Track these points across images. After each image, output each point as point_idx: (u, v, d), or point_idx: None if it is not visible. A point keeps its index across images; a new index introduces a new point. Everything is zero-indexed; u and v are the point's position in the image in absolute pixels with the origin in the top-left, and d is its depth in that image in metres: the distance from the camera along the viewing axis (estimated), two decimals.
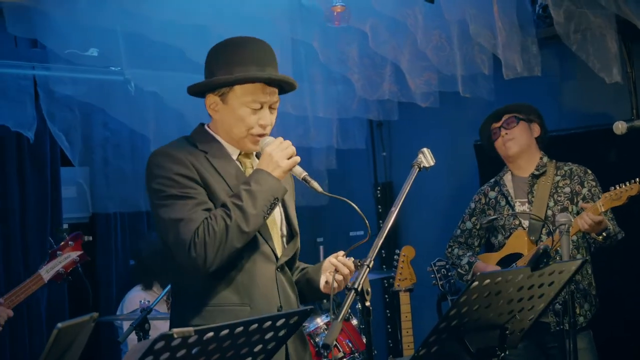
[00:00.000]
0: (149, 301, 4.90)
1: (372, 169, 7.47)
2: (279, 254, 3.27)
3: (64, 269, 4.23)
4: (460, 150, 6.67)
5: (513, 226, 4.92)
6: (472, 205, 5.19)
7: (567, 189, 4.87)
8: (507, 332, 3.06)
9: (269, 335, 2.53)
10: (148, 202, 6.32)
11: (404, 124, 7.04)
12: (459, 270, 5.11)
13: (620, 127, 4.03)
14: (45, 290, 4.28)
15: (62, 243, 4.28)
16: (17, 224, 5.91)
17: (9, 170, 5.92)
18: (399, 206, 2.94)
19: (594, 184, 4.86)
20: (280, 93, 3.34)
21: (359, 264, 2.86)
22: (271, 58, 3.31)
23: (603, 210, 4.47)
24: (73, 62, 5.58)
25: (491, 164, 5.38)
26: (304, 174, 3.16)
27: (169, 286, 4.83)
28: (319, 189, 3.10)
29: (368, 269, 2.76)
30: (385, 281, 7.12)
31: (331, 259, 3.23)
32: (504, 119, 5.00)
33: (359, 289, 2.69)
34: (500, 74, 5.38)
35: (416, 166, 3.10)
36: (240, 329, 2.39)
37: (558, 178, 4.91)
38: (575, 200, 4.84)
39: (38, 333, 5.85)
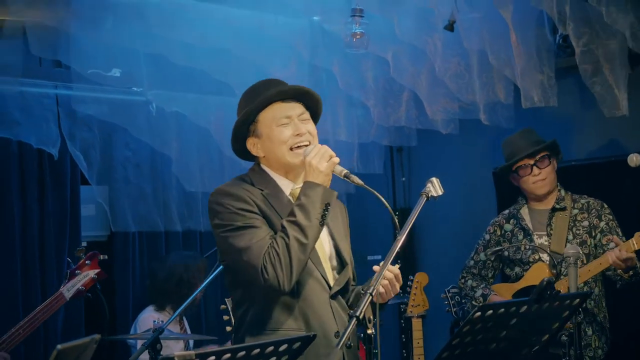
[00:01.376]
0: (162, 321, 4.92)
1: (391, 194, 7.44)
2: (331, 283, 3.36)
3: (83, 286, 4.34)
4: (478, 177, 6.65)
5: (532, 260, 4.88)
6: (487, 236, 5.14)
7: (586, 223, 4.86)
8: None
9: None
10: (166, 222, 6.52)
11: (424, 149, 7.04)
12: (473, 302, 5.06)
13: (635, 159, 4.05)
14: (62, 307, 4.35)
15: (80, 262, 4.39)
16: (35, 240, 5.94)
17: (29, 187, 5.96)
18: (404, 234, 2.97)
19: (610, 217, 4.86)
20: (312, 116, 3.45)
21: (362, 292, 2.88)
22: (280, 82, 3.47)
23: (636, 248, 4.42)
24: (96, 82, 5.66)
25: (509, 191, 5.35)
26: (345, 171, 3.27)
27: (182, 307, 4.87)
28: (360, 182, 3.22)
29: (370, 297, 2.78)
30: (401, 306, 7.08)
31: (375, 267, 3.24)
32: (538, 156, 4.91)
33: (360, 316, 2.71)
34: (520, 102, 5.39)
35: (424, 195, 3.11)
36: (242, 353, 2.41)
37: (576, 211, 4.89)
38: (594, 234, 4.83)
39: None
